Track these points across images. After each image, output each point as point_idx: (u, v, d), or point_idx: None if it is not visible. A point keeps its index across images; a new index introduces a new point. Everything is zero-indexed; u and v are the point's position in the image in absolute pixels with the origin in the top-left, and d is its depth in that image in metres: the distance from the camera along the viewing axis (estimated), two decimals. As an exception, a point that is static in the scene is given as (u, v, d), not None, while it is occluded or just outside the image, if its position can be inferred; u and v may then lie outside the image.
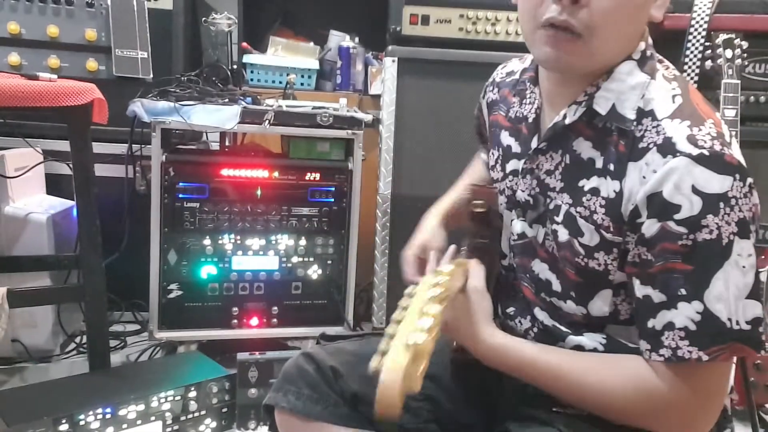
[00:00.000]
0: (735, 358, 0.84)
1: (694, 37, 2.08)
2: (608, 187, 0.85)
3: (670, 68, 0.90)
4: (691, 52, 2.09)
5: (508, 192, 1.00)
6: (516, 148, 1.00)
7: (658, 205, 0.78)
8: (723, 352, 0.78)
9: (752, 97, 2.16)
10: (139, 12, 2.08)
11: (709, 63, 2.00)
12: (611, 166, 0.85)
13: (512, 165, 0.99)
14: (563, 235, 0.90)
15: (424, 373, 0.63)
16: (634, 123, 0.83)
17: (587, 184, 0.87)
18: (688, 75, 2.10)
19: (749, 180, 0.78)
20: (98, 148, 1.89)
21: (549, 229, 0.92)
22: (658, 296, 0.80)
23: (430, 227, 1.18)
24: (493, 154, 1.07)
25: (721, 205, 0.76)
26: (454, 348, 1.05)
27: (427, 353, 0.62)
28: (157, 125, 1.86)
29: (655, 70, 0.87)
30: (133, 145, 2.10)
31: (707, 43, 2.05)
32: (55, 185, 2.25)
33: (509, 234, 1.01)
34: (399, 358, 0.60)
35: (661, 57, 0.91)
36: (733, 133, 0.85)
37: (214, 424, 1.69)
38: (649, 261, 0.80)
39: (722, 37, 1.96)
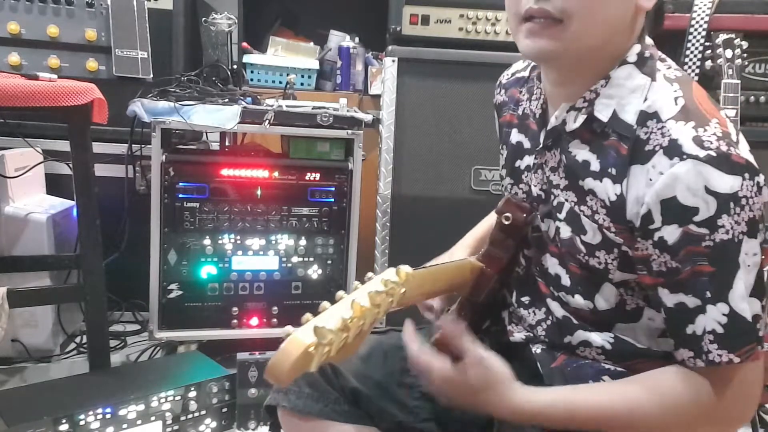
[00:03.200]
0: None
1: (694, 37, 2.08)
2: (607, 190, 0.85)
3: (672, 68, 0.89)
4: (691, 52, 2.09)
5: (524, 188, 1.00)
6: (527, 144, 1.00)
7: (675, 211, 0.78)
8: (753, 351, 0.79)
9: (752, 97, 2.16)
10: (139, 12, 2.08)
11: (709, 63, 1.99)
12: (612, 170, 0.85)
13: (526, 161, 1.00)
14: (566, 232, 0.91)
15: (326, 359, 0.66)
16: (637, 127, 0.83)
17: (585, 185, 0.88)
18: (688, 75, 2.10)
19: (759, 178, 0.78)
20: (98, 148, 1.89)
21: (554, 225, 0.93)
22: (692, 301, 0.80)
23: (451, 250, 1.18)
24: (502, 154, 1.08)
25: (732, 205, 0.76)
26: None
27: (331, 344, 0.64)
28: (157, 125, 1.86)
29: (656, 71, 0.86)
30: (133, 145, 2.10)
31: (707, 43, 2.05)
32: (55, 185, 2.25)
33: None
34: (305, 336, 0.62)
35: (663, 56, 0.91)
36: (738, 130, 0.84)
37: (214, 424, 1.69)
38: (676, 268, 0.80)
39: (722, 37, 1.96)
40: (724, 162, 0.76)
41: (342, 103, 2.06)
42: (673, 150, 0.78)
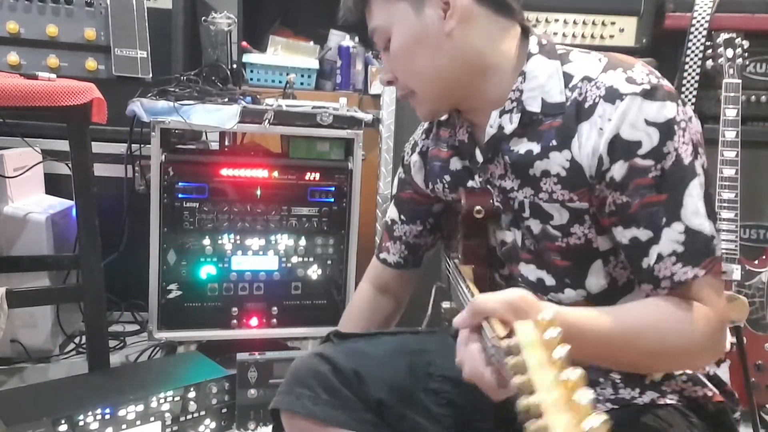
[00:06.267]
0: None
1: (695, 36, 2.08)
2: (556, 162, 0.88)
3: (581, 50, 0.94)
4: (692, 52, 2.09)
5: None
6: (470, 166, 1.03)
7: (620, 147, 0.82)
8: (716, 262, 0.82)
9: (753, 97, 2.16)
10: (138, 11, 2.07)
11: (710, 62, 2.00)
12: (552, 142, 0.88)
13: (477, 180, 1.02)
14: (536, 226, 0.92)
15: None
16: (570, 95, 0.87)
17: (535, 171, 0.90)
18: (689, 74, 2.10)
19: (688, 108, 0.84)
20: (97, 147, 1.88)
21: (523, 228, 0.95)
22: (645, 234, 0.83)
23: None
24: (436, 186, 1.10)
25: (675, 128, 0.81)
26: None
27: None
28: (156, 125, 1.85)
29: (565, 54, 0.91)
30: (133, 145, 2.10)
31: (708, 43, 2.05)
32: (54, 185, 2.25)
33: (496, 245, 1.02)
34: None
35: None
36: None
37: (213, 425, 1.69)
38: (626, 203, 0.83)
39: (723, 36, 1.96)
40: (658, 92, 0.82)
41: (342, 103, 2.05)
42: (612, 94, 0.83)
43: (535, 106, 0.89)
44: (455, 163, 1.05)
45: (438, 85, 0.94)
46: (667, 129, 0.80)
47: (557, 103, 0.88)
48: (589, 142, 0.84)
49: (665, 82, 0.84)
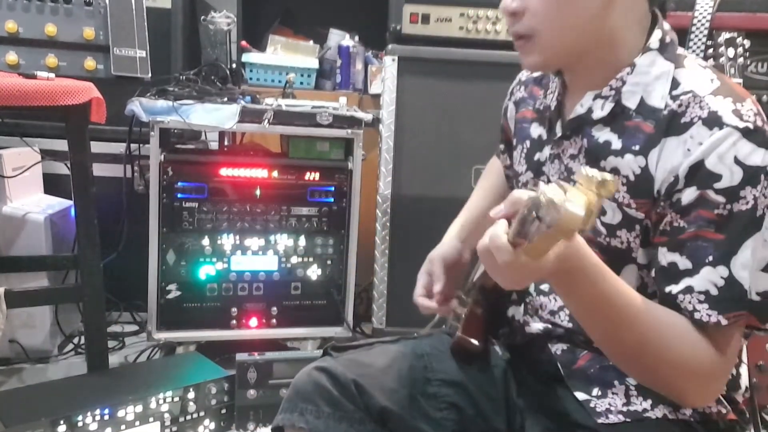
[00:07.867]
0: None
1: (696, 35, 2.07)
2: (630, 164, 0.86)
3: (699, 59, 0.92)
4: (693, 51, 2.08)
5: (544, 179, 1.01)
6: (545, 136, 1.02)
7: (700, 174, 0.80)
8: (741, 318, 0.80)
9: (754, 96, 2.16)
10: (137, 11, 2.07)
11: (711, 62, 1.99)
12: (635, 146, 0.86)
13: (545, 153, 1.01)
14: None
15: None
16: (668, 104, 0.85)
17: (607, 164, 0.89)
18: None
19: None
20: (96, 147, 1.87)
21: None
22: (684, 263, 0.81)
23: (446, 240, 1.18)
24: (518, 148, 1.09)
25: (762, 177, 0.79)
26: (455, 341, 1.04)
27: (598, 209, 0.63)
28: (155, 124, 1.85)
29: (682, 57, 0.89)
30: (132, 145, 2.10)
31: (709, 42, 2.04)
32: (53, 185, 2.25)
33: None
34: (587, 196, 0.62)
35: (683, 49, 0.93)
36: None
37: (212, 426, 1.68)
38: (681, 228, 0.81)
39: (724, 35, 1.95)
40: (759, 136, 0.79)
41: (342, 103, 2.05)
42: (713, 120, 0.80)
43: (631, 103, 0.88)
44: (535, 129, 1.04)
45: (567, 40, 0.89)
46: (752, 174, 0.78)
47: (655, 107, 0.86)
48: (671, 158, 0.83)
49: None
